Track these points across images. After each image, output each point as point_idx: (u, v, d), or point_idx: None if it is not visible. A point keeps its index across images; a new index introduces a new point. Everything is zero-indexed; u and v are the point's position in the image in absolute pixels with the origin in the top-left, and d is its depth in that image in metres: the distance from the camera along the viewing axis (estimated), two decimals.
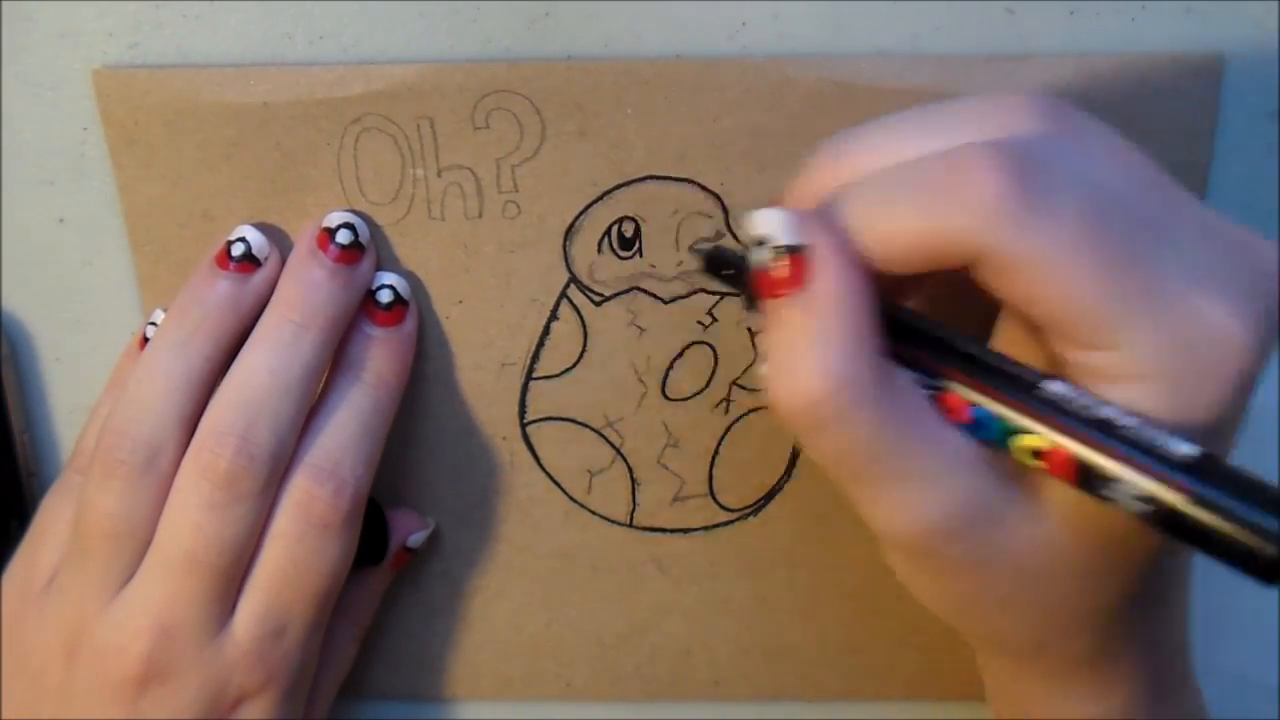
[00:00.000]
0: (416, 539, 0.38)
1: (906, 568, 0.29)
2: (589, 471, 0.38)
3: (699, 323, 0.36)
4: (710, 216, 0.35)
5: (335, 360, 0.35)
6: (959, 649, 0.39)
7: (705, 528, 0.39)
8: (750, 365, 0.37)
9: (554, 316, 0.36)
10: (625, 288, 0.36)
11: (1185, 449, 0.24)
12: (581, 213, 0.35)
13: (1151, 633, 0.30)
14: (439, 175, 0.35)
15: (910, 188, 0.26)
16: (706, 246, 0.29)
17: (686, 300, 0.36)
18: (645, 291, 0.36)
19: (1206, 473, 0.23)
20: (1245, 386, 0.25)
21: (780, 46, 0.34)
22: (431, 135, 0.34)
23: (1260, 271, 0.26)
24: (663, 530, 0.39)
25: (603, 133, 0.34)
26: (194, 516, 0.32)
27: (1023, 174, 0.24)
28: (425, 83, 0.34)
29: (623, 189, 0.35)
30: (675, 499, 0.38)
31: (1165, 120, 0.34)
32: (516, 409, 0.37)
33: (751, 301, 0.27)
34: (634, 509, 0.38)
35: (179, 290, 0.34)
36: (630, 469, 0.38)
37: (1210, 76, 0.33)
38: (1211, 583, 0.32)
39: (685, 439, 0.38)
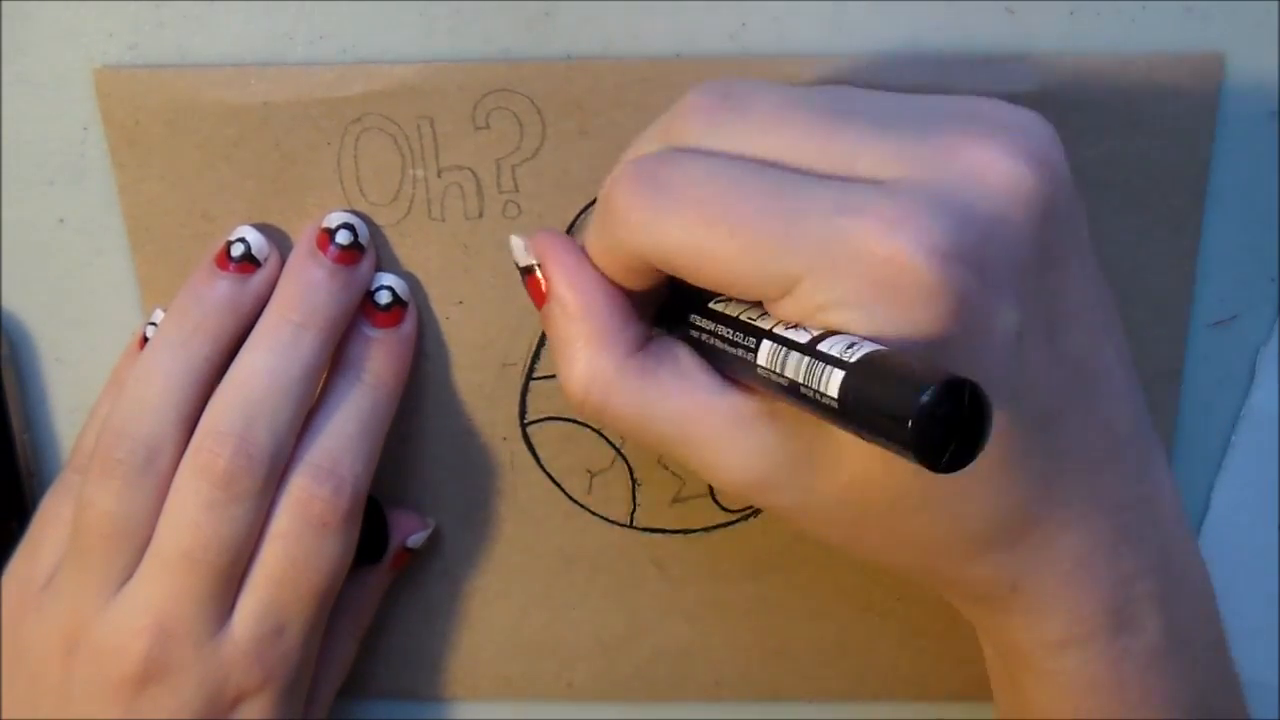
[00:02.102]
0: (416, 539, 0.38)
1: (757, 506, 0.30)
2: (589, 471, 0.38)
3: None
4: None
5: (334, 360, 0.35)
6: (959, 649, 0.39)
7: (705, 528, 0.39)
8: None
9: None
10: None
11: (859, 350, 0.24)
12: (581, 213, 0.35)
13: (1066, 548, 0.29)
14: (439, 175, 0.35)
15: (594, 217, 0.29)
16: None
17: None
18: None
19: (874, 363, 0.23)
20: (947, 297, 0.24)
21: (780, 46, 0.34)
22: (431, 135, 0.34)
23: (956, 178, 0.25)
24: (663, 531, 0.39)
25: (603, 133, 0.34)
26: (193, 516, 0.32)
27: (645, 177, 0.27)
28: (425, 83, 0.34)
29: None
30: (675, 499, 0.38)
31: (1165, 120, 0.34)
32: (517, 409, 0.37)
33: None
34: (634, 509, 0.38)
35: (179, 290, 0.34)
36: (630, 469, 0.38)
37: (1210, 76, 0.33)
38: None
39: None
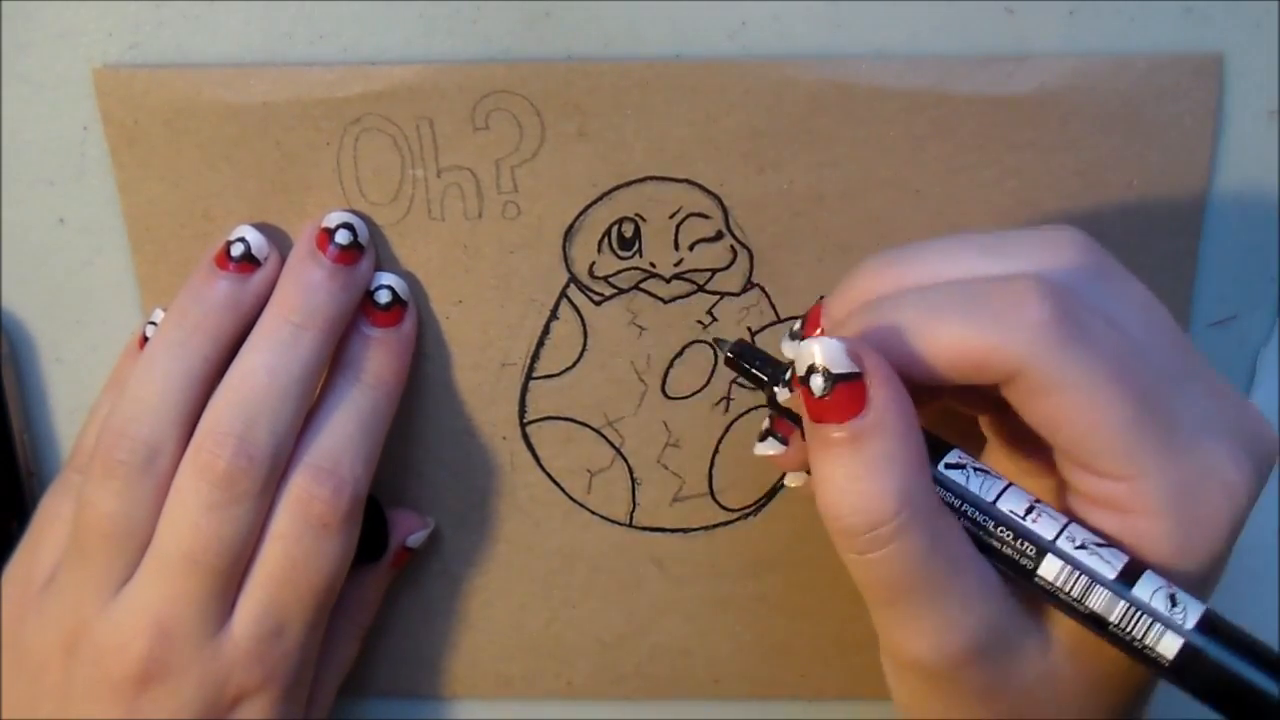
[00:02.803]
0: (416, 539, 0.38)
1: (919, 692, 0.30)
2: (589, 471, 0.38)
3: (699, 322, 0.36)
4: (710, 217, 0.35)
5: (334, 360, 0.35)
6: None
7: (705, 528, 0.39)
8: None
9: (554, 316, 0.36)
10: (625, 288, 0.36)
11: (1193, 608, 0.26)
12: (581, 213, 0.35)
13: None
14: (439, 176, 0.35)
15: (964, 303, 0.27)
16: (733, 343, 0.31)
17: (686, 300, 0.36)
18: (645, 291, 0.36)
19: (1212, 630, 0.26)
20: (1237, 532, 0.27)
21: (780, 46, 0.34)
22: (431, 136, 0.34)
23: (1256, 428, 0.28)
24: (663, 530, 0.39)
25: (602, 133, 0.34)
26: (193, 516, 0.32)
27: (1067, 306, 0.26)
28: (425, 83, 0.34)
29: (622, 189, 0.35)
30: (675, 499, 0.38)
31: (1165, 120, 0.33)
32: (516, 409, 0.37)
33: (774, 401, 0.29)
34: (634, 509, 0.38)
35: (179, 290, 0.34)
36: (630, 469, 0.38)
37: (1210, 76, 0.33)
38: None
39: (685, 438, 0.38)
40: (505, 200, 0.35)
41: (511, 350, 0.37)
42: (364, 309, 0.35)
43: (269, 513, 0.33)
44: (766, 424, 0.31)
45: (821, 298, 0.31)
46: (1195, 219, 0.35)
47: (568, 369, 0.37)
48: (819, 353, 0.27)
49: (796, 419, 0.30)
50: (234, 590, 0.33)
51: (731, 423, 0.37)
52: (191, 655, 0.32)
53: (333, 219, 0.34)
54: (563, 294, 0.36)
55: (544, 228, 0.35)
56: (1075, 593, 0.27)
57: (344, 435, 0.34)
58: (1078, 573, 0.27)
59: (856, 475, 0.26)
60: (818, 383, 0.27)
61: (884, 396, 0.26)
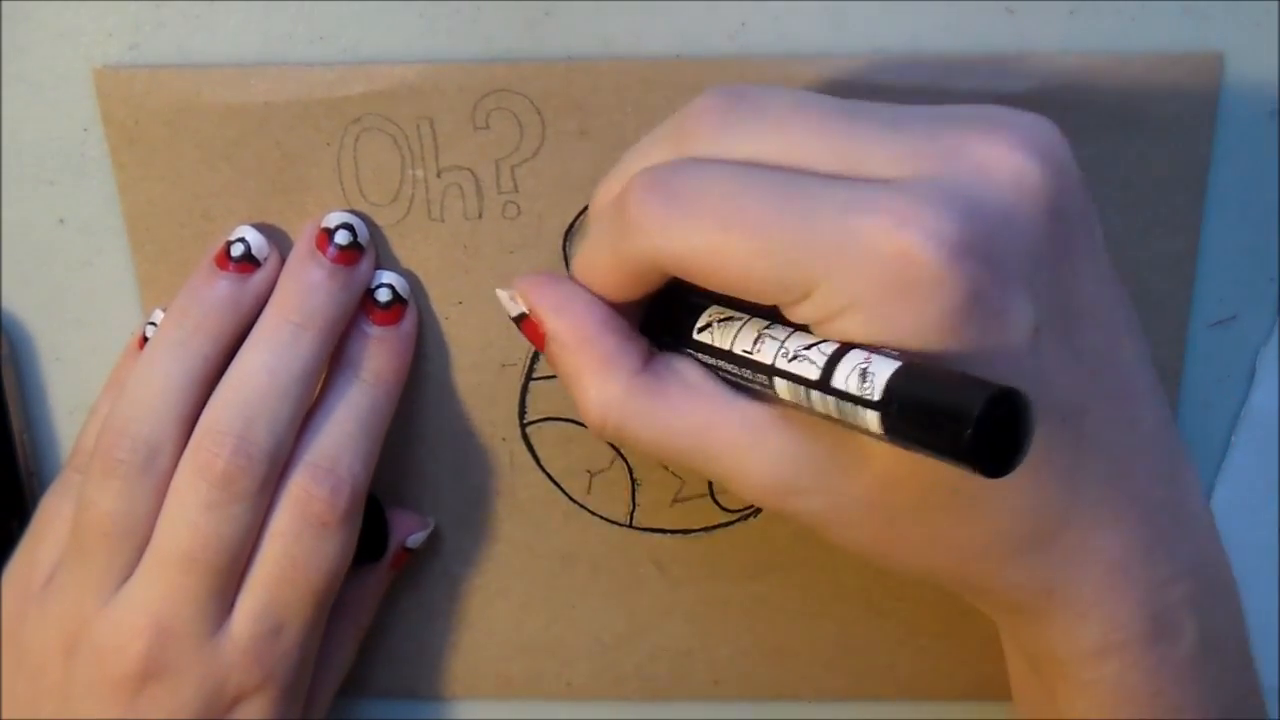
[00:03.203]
0: (416, 539, 0.38)
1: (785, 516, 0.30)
2: (589, 472, 0.38)
3: None
4: None
5: (334, 359, 0.35)
6: (959, 649, 0.39)
7: (705, 528, 0.39)
8: None
9: None
10: None
11: (882, 371, 0.24)
12: (581, 213, 0.35)
13: (1101, 550, 0.29)
14: (439, 176, 0.35)
15: (596, 229, 0.29)
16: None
17: None
18: None
19: (900, 391, 0.24)
20: (958, 289, 0.24)
21: (780, 46, 0.34)
22: (431, 135, 0.34)
23: (964, 174, 0.25)
24: (662, 531, 0.39)
25: (603, 133, 0.34)
26: (192, 516, 0.32)
27: (660, 184, 0.27)
28: (425, 83, 0.34)
29: None
30: (675, 499, 0.38)
31: (1165, 120, 0.34)
32: (516, 409, 0.37)
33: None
34: (634, 509, 0.38)
35: (179, 290, 0.34)
36: (630, 469, 0.38)
37: (1210, 76, 0.33)
38: None
39: None
40: (505, 200, 0.35)
41: (511, 351, 0.37)
42: (364, 307, 0.35)
43: (268, 512, 0.33)
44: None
45: None
46: (1195, 219, 0.35)
47: None
48: (501, 298, 0.32)
49: None
50: (233, 589, 0.33)
51: None
52: (190, 654, 0.32)
53: (332, 219, 0.34)
54: None
55: (544, 228, 0.35)
56: (805, 402, 0.26)
57: (343, 434, 0.34)
58: (797, 385, 0.26)
59: (570, 394, 0.30)
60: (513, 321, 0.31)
61: (548, 323, 0.30)
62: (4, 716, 0.34)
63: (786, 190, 0.26)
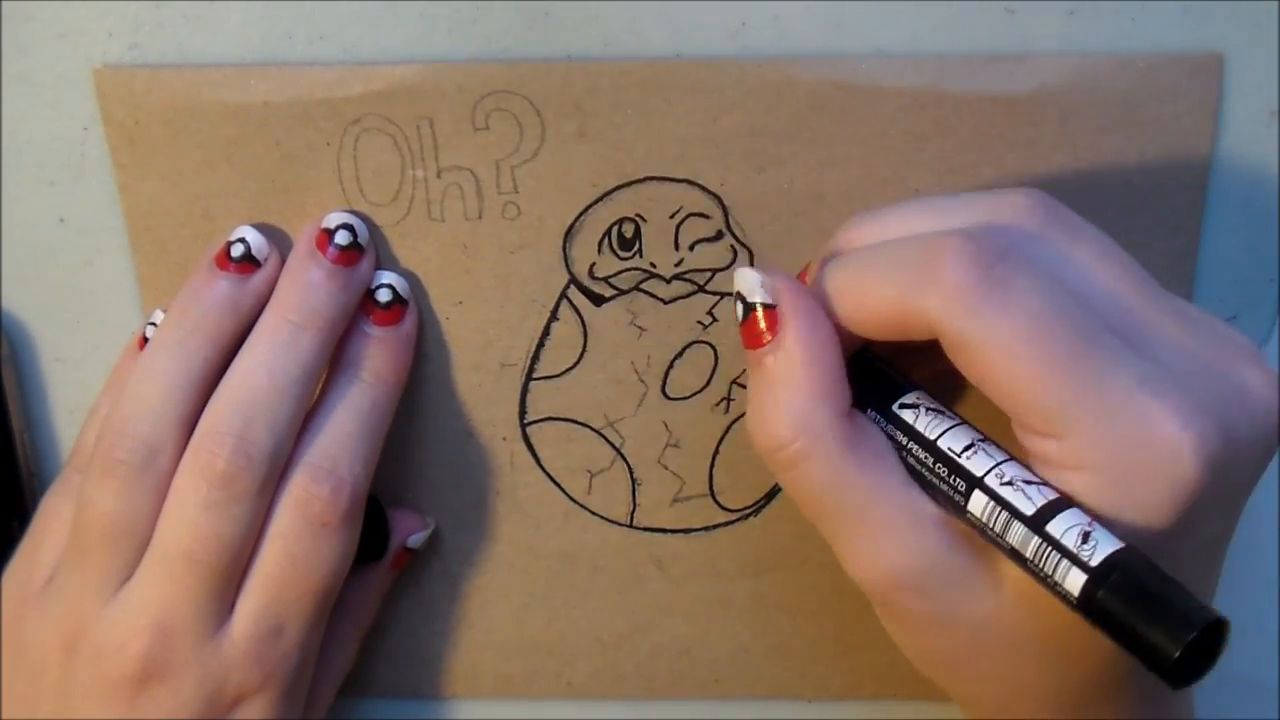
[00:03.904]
0: (417, 539, 0.38)
1: (879, 612, 0.31)
2: (589, 471, 0.38)
3: (699, 322, 0.36)
4: (710, 217, 0.35)
5: (334, 359, 0.35)
6: None
7: (705, 528, 0.39)
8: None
9: (554, 317, 0.36)
10: (625, 288, 0.36)
11: (1104, 545, 0.25)
12: (581, 213, 0.35)
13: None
14: (439, 176, 0.35)
15: (889, 263, 0.28)
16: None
17: (686, 300, 0.36)
18: (645, 292, 0.36)
19: (1123, 569, 0.25)
20: (1193, 495, 0.26)
21: (780, 46, 0.34)
22: (431, 136, 0.34)
23: (1237, 389, 0.27)
24: (663, 530, 0.39)
25: (602, 133, 0.34)
26: (192, 516, 0.32)
27: (987, 264, 0.27)
28: (425, 83, 0.34)
29: (622, 189, 0.35)
30: (675, 499, 0.38)
31: (1165, 120, 0.34)
32: (516, 409, 0.37)
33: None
34: (634, 509, 0.38)
35: (179, 290, 0.34)
36: (630, 469, 0.38)
37: (1210, 76, 0.33)
38: None
39: (685, 439, 0.38)
40: (505, 200, 0.35)
41: (511, 351, 0.37)
42: (364, 307, 0.35)
43: (269, 512, 0.33)
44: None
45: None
46: (1195, 219, 0.35)
47: (568, 370, 0.37)
48: (738, 280, 0.30)
49: None
50: (233, 590, 0.33)
51: (732, 423, 0.37)
52: (191, 654, 0.32)
53: (332, 219, 0.34)
54: (563, 295, 0.36)
55: (544, 228, 0.35)
56: (997, 527, 0.27)
57: (343, 434, 0.34)
58: (1000, 508, 0.27)
59: (762, 399, 0.29)
60: (737, 307, 0.30)
61: (793, 328, 0.29)
62: (4, 716, 0.34)
63: (1095, 338, 0.27)
